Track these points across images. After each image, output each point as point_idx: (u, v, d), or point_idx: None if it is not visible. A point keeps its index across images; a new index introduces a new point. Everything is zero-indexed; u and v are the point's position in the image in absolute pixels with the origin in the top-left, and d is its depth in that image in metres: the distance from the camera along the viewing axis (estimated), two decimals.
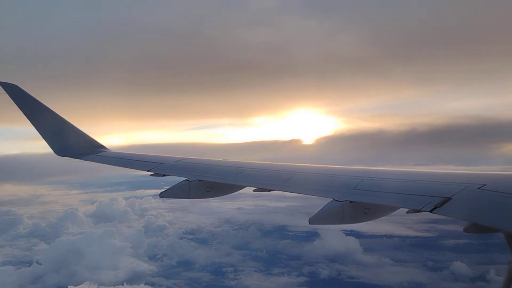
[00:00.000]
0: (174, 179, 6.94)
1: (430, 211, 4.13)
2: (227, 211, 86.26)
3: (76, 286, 50.44)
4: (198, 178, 6.73)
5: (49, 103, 9.22)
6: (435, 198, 4.29)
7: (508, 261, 4.19)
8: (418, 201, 4.38)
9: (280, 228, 73.15)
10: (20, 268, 58.27)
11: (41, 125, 9.29)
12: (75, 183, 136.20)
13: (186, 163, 7.93)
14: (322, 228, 58.98)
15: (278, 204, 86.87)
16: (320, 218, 4.85)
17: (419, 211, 4.24)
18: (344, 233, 63.22)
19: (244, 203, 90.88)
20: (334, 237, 61.47)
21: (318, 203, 5.01)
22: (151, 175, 7.70)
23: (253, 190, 6.29)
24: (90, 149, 9.69)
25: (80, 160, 9.25)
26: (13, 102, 8.83)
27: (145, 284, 53.29)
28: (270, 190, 6.15)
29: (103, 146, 10.09)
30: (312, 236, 64.56)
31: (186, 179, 6.73)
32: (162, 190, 6.80)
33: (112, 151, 9.88)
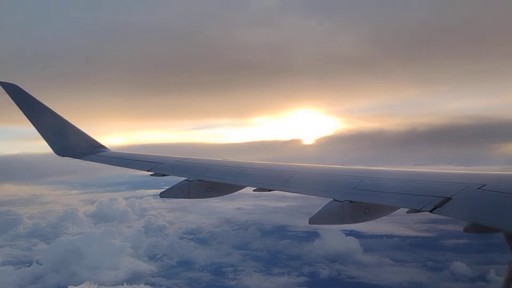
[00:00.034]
0: (174, 179, 6.94)
1: (430, 211, 4.13)
2: (227, 211, 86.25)
3: (76, 286, 50.40)
4: (198, 178, 6.73)
5: (49, 103, 9.22)
6: (435, 198, 4.29)
7: (508, 261, 4.18)
8: (418, 201, 4.38)
9: (280, 228, 73.14)
10: (20, 268, 58.23)
11: (41, 125, 9.28)
12: (75, 183, 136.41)
13: (186, 163, 7.93)
14: (322, 228, 58.98)
15: (278, 204, 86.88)
16: (320, 218, 4.85)
17: (419, 211, 4.24)
18: (344, 233, 63.22)
19: (244, 203, 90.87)
20: (334, 237, 61.46)
21: (318, 203, 5.01)
22: (151, 175, 7.70)
23: (253, 190, 6.28)
24: (90, 149, 9.68)
25: (80, 160, 9.25)
26: (13, 102, 8.83)
27: (145, 284, 53.28)
28: (270, 190, 6.14)
29: (103, 146, 10.08)
30: (312, 236, 64.56)
31: (186, 179, 6.73)
32: (162, 190, 6.80)
33: (112, 151, 9.88)
